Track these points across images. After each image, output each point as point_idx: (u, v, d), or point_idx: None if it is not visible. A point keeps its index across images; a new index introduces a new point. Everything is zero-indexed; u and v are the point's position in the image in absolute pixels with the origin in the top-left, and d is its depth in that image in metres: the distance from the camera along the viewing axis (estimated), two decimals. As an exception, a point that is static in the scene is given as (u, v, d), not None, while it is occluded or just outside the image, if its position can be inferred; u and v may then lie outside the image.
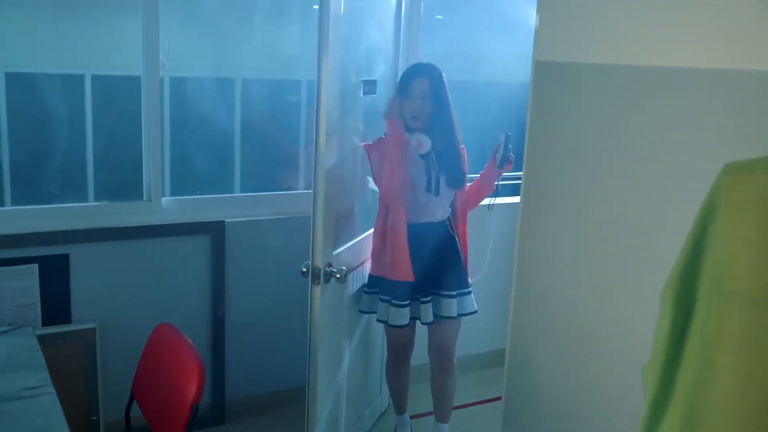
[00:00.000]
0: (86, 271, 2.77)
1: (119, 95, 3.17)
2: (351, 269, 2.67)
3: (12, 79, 2.96)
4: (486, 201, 2.91)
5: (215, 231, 3.00)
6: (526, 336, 2.16)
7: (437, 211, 2.74)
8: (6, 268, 2.63)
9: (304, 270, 2.36)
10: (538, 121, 2.06)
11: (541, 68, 2.03)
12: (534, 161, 2.08)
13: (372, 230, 2.82)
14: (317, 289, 2.35)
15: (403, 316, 2.69)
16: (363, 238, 2.85)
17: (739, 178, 1.00)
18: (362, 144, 2.78)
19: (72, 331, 2.75)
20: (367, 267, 2.85)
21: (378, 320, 2.78)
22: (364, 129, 2.84)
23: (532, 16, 2.07)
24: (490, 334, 3.60)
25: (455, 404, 2.99)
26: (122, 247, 2.83)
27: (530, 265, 2.12)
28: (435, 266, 2.73)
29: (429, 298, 2.73)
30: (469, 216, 2.89)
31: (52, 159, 3.02)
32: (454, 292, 2.74)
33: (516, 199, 2.20)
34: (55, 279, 2.72)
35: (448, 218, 2.79)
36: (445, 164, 2.71)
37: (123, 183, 3.13)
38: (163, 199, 2.98)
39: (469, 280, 2.83)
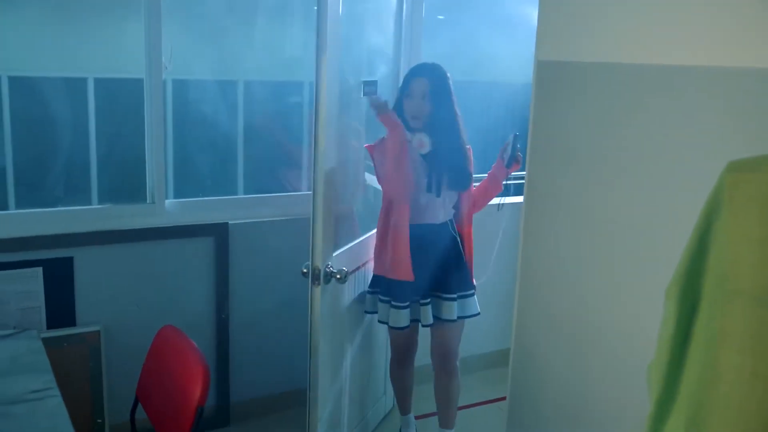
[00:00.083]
0: (90, 274, 2.78)
1: (122, 98, 3.18)
2: (352, 270, 2.67)
3: (15, 82, 2.96)
4: (495, 200, 2.88)
5: (218, 233, 3.01)
6: (530, 336, 2.15)
7: (438, 212, 2.71)
8: (10, 272, 2.63)
9: (305, 271, 2.36)
10: (540, 121, 2.06)
11: (543, 67, 2.03)
12: (537, 161, 2.08)
13: (375, 231, 2.82)
14: (317, 290, 2.35)
15: (402, 317, 2.68)
16: (365, 239, 2.85)
17: (743, 175, 0.99)
18: (365, 145, 2.78)
19: (76, 333, 2.76)
20: (370, 267, 2.84)
21: (379, 321, 2.78)
22: (365, 130, 2.84)
23: (533, 16, 2.07)
24: (494, 334, 3.60)
25: (459, 404, 2.98)
26: (126, 249, 2.84)
27: (534, 264, 2.12)
28: (435, 268, 2.71)
29: (428, 300, 2.71)
30: (478, 215, 2.86)
31: (56, 162, 3.03)
32: (455, 295, 2.72)
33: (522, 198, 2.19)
34: (59, 282, 2.72)
35: (451, 220, 2.76)
36: (449, 165, 2.68)
37: (126, 186, 3.13)
38: (167, 201, 2.99)
39: (474, 281, 2.81)
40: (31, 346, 2.29)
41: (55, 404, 1.92)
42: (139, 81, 2.89)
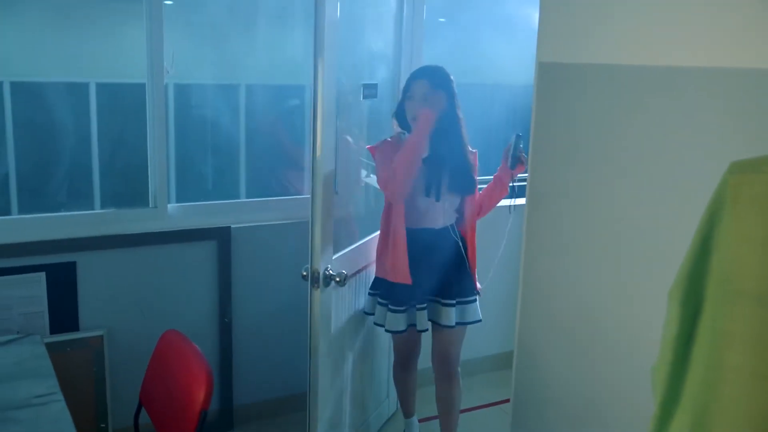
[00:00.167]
0: (93, 279, 2.78)
1: (124, 103, 3.19)
2: (353, 273, 2.66)
3: (18, 88, 2.98)
4: (505, 202, 2.81)
5: (221, 237, 3.01)
6: (533, 338, 2.15)
7: (438, 217, 2.67)
8: (13, 277, 2.64)
9: (304, 274, 2.36)
10: (542, 122, 2.06)
11: (545, 69, 2.03)
12: (539, 162, 2.08)
13: (376, 233, 2.81)
14: (316, 293, 2.35)
15: (399, 321, 2.66)
16: (366, 242, 2.85)
17: (745, 176, 0.99)
18: (368, 147, 2.78)
19: (80, 338, 2.76)
20: (372, 270, 2.84)
21: (375, 323, 2.77)
22: (366, 133, 2.84)
23: (534, 18, 2.07)
24: (497, 336, 3.59)
25: (462, 407, 2.97)
26: (129, 254, 2.84)
27: (537, 266, 2.12)
28: (434, 273, 2.68)
29: (425, 305, 2.69)
30: (487, 218, 2.81)
31: (58, 167, 3.04)
32: (454, 301, 2.68)
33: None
34: (62, 287, 2.73)
35: (453, 225, 2.71)
36: (451, 169, 2.65)
37: (129, 190, 3.15)
38: (169, 205, 2.99)
39: (478, 286, 2.76)
40: (34, 351, 2.29)
41: (58, 409, 1.92)
42: (141, 85, 2.90)
